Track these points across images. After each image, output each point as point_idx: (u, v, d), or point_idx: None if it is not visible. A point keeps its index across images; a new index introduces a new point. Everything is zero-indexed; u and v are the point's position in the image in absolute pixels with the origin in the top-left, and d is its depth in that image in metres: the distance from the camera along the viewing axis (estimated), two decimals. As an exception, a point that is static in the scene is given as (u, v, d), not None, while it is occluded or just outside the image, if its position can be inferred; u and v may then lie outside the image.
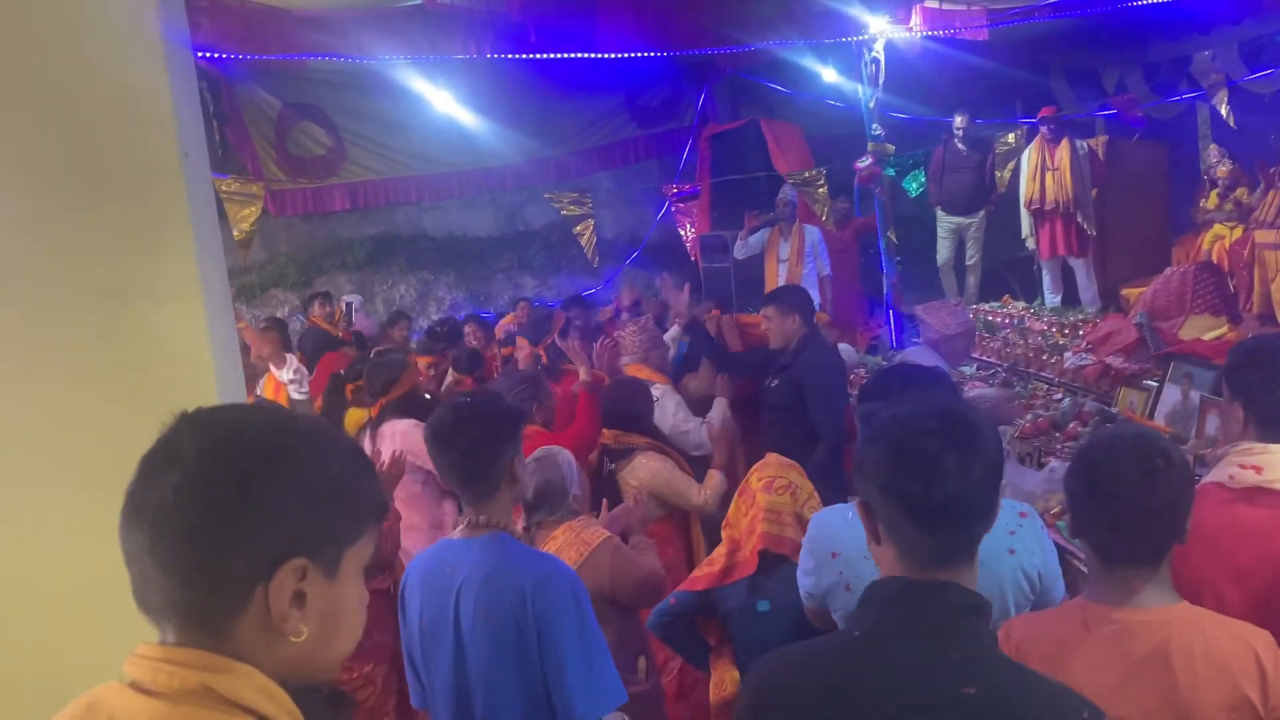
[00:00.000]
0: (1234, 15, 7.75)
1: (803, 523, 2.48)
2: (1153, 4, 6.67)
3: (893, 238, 7.88)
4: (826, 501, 2.60)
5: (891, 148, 7.75)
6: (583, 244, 8.92)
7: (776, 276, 7.60)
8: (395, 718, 3.30)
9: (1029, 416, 4.64)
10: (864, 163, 7.62)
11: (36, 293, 1.85)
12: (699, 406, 4.47)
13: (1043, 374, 5.41)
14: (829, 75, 8.51)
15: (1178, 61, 8.50)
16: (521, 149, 9.15)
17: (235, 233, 7.26)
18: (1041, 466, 4.09)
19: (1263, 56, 7.82)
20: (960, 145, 7.89)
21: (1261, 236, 5.64)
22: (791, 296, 4.49)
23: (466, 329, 7.38)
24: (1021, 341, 5.86)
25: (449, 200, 9.90)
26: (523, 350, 4.78)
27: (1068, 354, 5.25)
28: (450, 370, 5.68)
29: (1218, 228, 7.06)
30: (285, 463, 0.95)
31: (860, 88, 7.73)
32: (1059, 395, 5.03)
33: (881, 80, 7.50)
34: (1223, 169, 7.26)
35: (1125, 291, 6.64)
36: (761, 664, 1.41)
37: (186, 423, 0.96)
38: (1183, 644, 1.53)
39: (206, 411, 0.99)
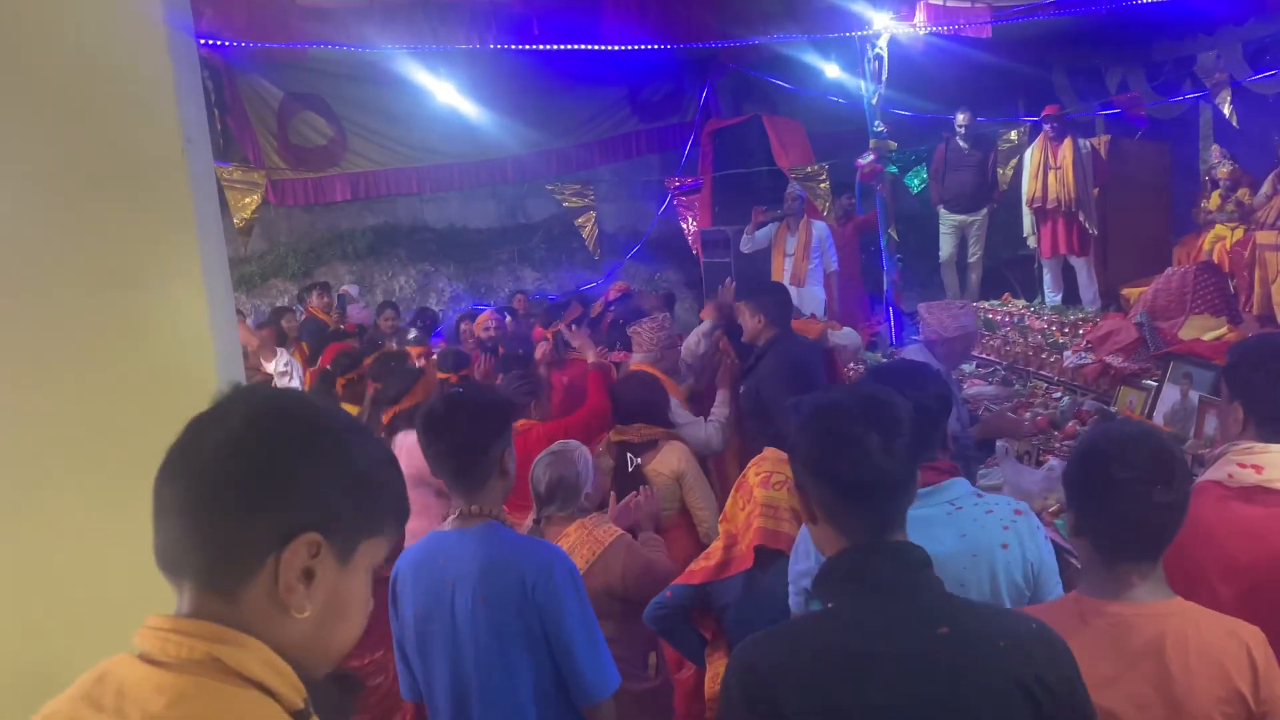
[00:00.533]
0: (1239, 15, 7.73)
1: (799, 518, 2.48)
2: (1157, 3, 6.66)
3: (894, 235, 7.86)
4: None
5: (894, 144, 7.72)
6: (584, 236, 8.91)
7: (783, 271, 7.60)
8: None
9: (1028, 415, 4.65)
10: (866, 159, 7.61)
11: (39, 279, 1.85)
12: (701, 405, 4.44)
13: (1042, 372, 5.42)
14: (832, 71, 8.49)
15: (1181, 61, 8.47)
16: (523, 141, 9.14)
17: (236, 220, 7.29)
18: (1040, 465, 4.10)
19: (1267, 56, 7.79)
20: (962, 143, 7.86)
21: (1263, 238, 5.64)
22: (764, 296, 4.17)
23: (462, 326, 7.15)
24: (1021, 340, 5.87)
25: (450, 191, 9.89)
26: (541, 348, 4.87)
27: (1067, 353, 5.26)
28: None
29: (1219, 228, 7.05)
30: (322, 441, 0.99)
31: (863, 84, 7.70)
32: (1058, 394, 5.04)
33: (884, 76, 7.46)
34: (1224, 169, 7.25)
35: (1126, 291, 6.63)
36: (743, 647, 1.44)
37: (239, 392, 1.01)
38: (1177, 638, 1.55)
39: (260, 386, 1.02)
